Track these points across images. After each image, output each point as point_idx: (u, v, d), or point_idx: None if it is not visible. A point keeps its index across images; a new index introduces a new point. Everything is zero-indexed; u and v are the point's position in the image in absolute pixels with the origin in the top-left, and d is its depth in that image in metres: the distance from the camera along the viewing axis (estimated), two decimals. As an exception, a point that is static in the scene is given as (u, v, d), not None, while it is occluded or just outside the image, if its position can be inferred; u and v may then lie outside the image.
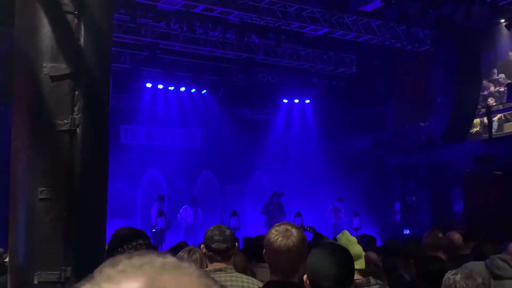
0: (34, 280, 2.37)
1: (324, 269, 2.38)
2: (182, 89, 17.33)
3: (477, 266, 4.61)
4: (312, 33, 15.11)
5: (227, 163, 17.31)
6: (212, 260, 3.30)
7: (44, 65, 2.49)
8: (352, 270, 2.44)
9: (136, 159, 16.06)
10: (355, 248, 3.23)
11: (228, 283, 3.16)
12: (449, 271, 2.68)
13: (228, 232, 3.40)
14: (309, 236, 7.50)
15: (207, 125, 17.65)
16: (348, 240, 3.28)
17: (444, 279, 2.71)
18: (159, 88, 16.97)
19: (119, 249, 2.55)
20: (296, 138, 18.91)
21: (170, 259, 0.75)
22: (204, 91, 17.57)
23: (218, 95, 17.43)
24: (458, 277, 2.59)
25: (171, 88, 17.16)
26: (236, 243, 4.04)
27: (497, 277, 4.07)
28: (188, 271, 0.75)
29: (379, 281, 3.35)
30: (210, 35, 14.83)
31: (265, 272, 2.88)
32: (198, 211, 15.24)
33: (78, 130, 2.45)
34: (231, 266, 3.29)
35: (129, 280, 0.71)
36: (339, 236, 3.35)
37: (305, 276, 2.41)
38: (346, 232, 3.45)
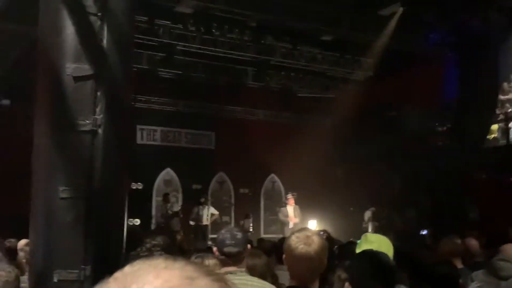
0: (54, 278, 2.40)
1: (369, 274, 2.41)
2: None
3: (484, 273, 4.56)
4: (329, 36, 15.07)
5: (242, 165, 17.29)
6: (224, 264, 3.27)
7: (67, 65, 2.51)
8: (394, 272, 2.49)
9: (151, 159, 16.12)
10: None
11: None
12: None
13: (239, 235, 3.32)
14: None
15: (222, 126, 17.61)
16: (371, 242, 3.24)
17: None
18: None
19: (137, 250, 2.57)
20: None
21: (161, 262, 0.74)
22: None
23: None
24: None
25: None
26: (249, 245, 3.97)
27: (504, 278, 4.04)
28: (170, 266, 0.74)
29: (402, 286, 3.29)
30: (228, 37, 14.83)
31: (286, 275, 2.88)
32: (210, 211, 15.18)
33: (99, 130, 2.48)
34: (243, 269, 3.27)
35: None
36: (365, 240, 3.29)
37: (347, 284, 2.45)
38: (369, 235, 3.42)
